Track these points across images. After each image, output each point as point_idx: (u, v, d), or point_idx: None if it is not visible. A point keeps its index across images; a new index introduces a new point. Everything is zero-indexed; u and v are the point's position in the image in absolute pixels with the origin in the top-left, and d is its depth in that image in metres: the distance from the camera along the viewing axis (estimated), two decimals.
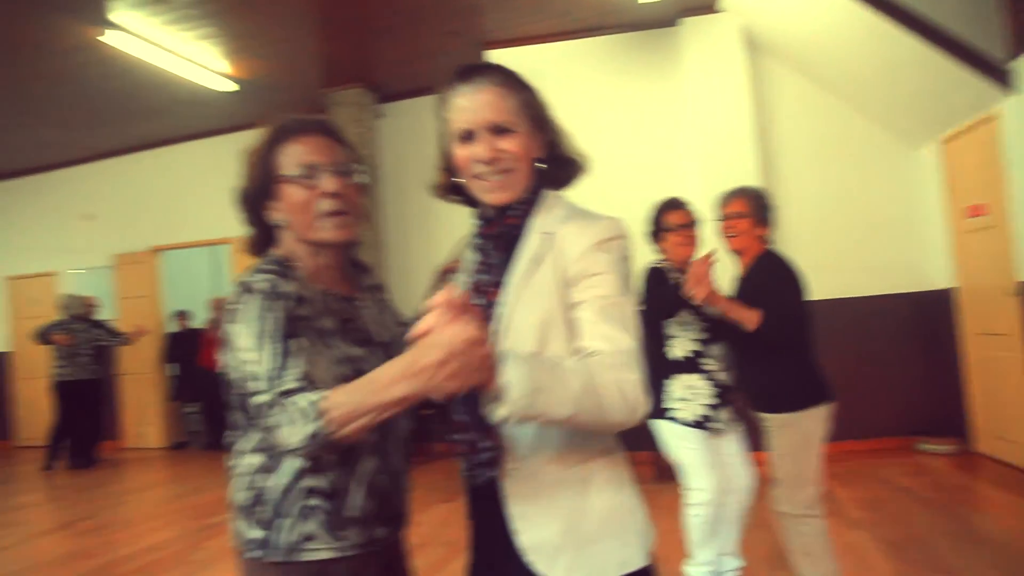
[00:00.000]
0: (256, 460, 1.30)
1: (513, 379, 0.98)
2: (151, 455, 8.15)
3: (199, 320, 8.70)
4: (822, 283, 5.15)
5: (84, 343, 7.47)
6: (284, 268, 1.29)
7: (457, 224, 6.81)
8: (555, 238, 1.19)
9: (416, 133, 7.15)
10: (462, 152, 1.24)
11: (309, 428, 1.09)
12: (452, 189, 1.32)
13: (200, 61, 6.05)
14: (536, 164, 1.26)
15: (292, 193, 1.31)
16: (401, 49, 6.23)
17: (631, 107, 6.09)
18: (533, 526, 1.15)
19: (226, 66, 6.28)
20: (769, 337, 2.67)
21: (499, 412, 0.99)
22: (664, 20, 5.90)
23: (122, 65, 6.04)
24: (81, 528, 5.07)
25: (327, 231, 1.30)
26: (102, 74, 6.29)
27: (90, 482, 6.78)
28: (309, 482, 1.27)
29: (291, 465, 1.27)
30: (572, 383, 1.03)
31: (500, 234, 1.26)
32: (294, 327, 1.22)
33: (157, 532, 4.81)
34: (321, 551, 1.26)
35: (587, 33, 6.10)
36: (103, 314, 8.12)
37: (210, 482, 6.40)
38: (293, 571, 1.27)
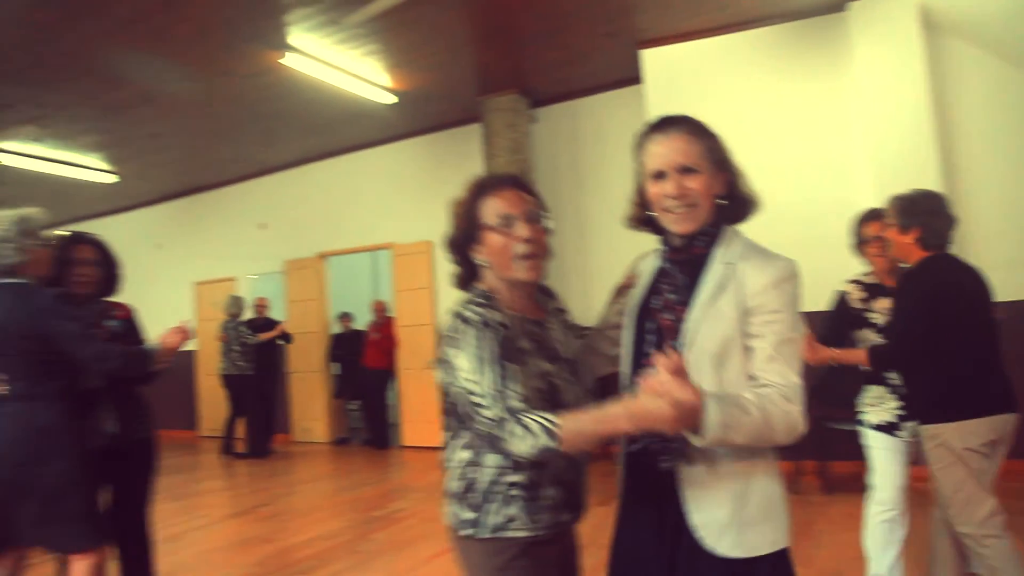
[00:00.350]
0: (466, 455, 1.59)
1: (711, 420, 1.26)
2: (316, 449, 8.66)
3: (361, 322, 9.14)
4: (1015, 282, 4.68)
5: (234, 340, 8.11)
6: (489, 301, 1.58)
7: (609, 228, 6.79)
8: (736, 269, 1.43)
9: (569, 136, 7.19)
10: (654, 189, 1.49)
11: (541, 443, 1.37)
12: (644, 220, 1.58)
13: (365, 76, 6.37)
14: (717, 201, 1.49)
15: (492, 239, 1.58)
16: (554, 54, 6.27)
17: (795, 102, 5.73)
18: (705, 508, 1.41)
19: (388, 80, 6.58)
20: (883, 364, 2.75)
21: (696, 442, 1.29)
22: (831, 5, 5.56)
23: (296, 84, 6.49)
24: (260, 515, 5.45)
25: (521, 272, 1.58)
26: (279, 94, 6.78)
27: (264, 471, 7.29)
28: (510, 477, 1.55)
29: (494, 460, 1.55)
30: (753, 418, 1.31)
31: (686, 260, 1.51)
32: (505, 351, 1.49)
33: (327, 522, 5.08)
34: (520, 531, 1.54)
35: (746, 26, 5.85)
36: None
37: (371, 477, 6.71)
38: (498, 546, 1.55)
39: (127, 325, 2.87)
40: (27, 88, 6.42)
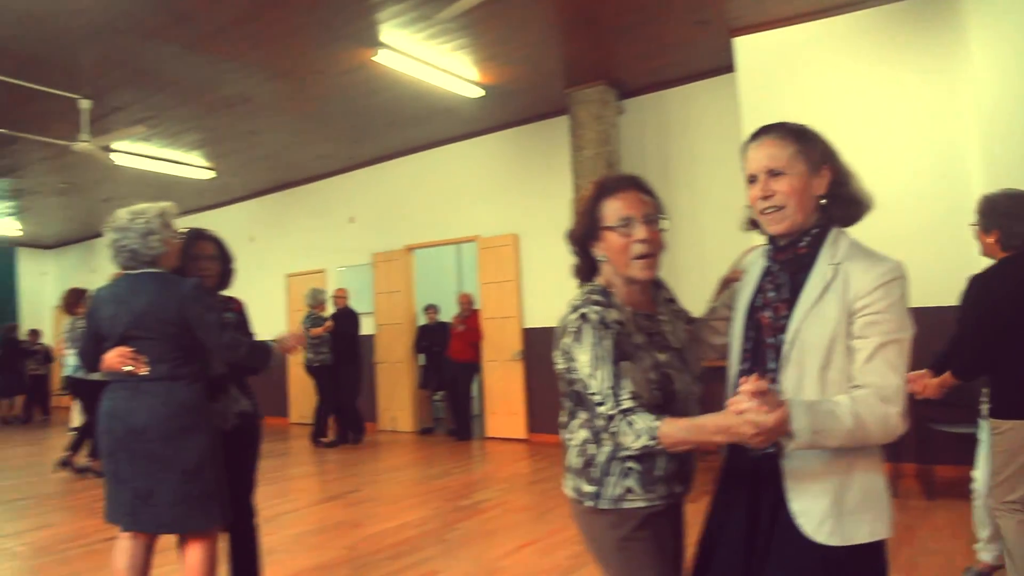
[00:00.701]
0: (584, 434, 1.71)
1: (799, 426, 1.34)
2: (402, 438, 8.83)
3: (446, 314, 9.26)
4: None
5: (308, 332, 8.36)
6: (606, 297, 1.69)
7: (698, 220, 6.67)
8: (841, 269, 1.47)
9: (657, 128, 7.08)
10: (751, 193, 1.57)
11: (643, 442, 1.50)
12: (752, 223, 1.66)
13: (454, 71, 6.44)
14: (819, 201, 1.54)
15: (612, 239, 1.68)
16: (644, 44, 6.18)
17: (899, 90, 5.38)
18: (806, 496, 1.46)
19: (476, 74, 6.63)
20: (968, 375, 2.86)
21: (788, 447, 1.38)
22: None
23: (387, 81, 6.61)
24: (350, 500, 5.60)
25: (638, 271, 1.67)
26: (369, 91, 6.93)
27: (352, 459, 7.49)
28: (626, 453, 1.63)
29: (611, 440, 1.63)
30: (844, 422, 1.37)
31: (790, 260, 1.57)
32: (621, 350, 1.61)
33: (414, 510, 5.18)
34: (637, 501, 1.66)
35: (845, 9, 5.57)
36: (360, 306, 8.94)
37: (456, 467, 6.80)
38: (618, 516, 1.67)
39: (239, 318, 3.01)
40: (137, 91, 6.78)
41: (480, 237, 8.42)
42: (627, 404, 1.54)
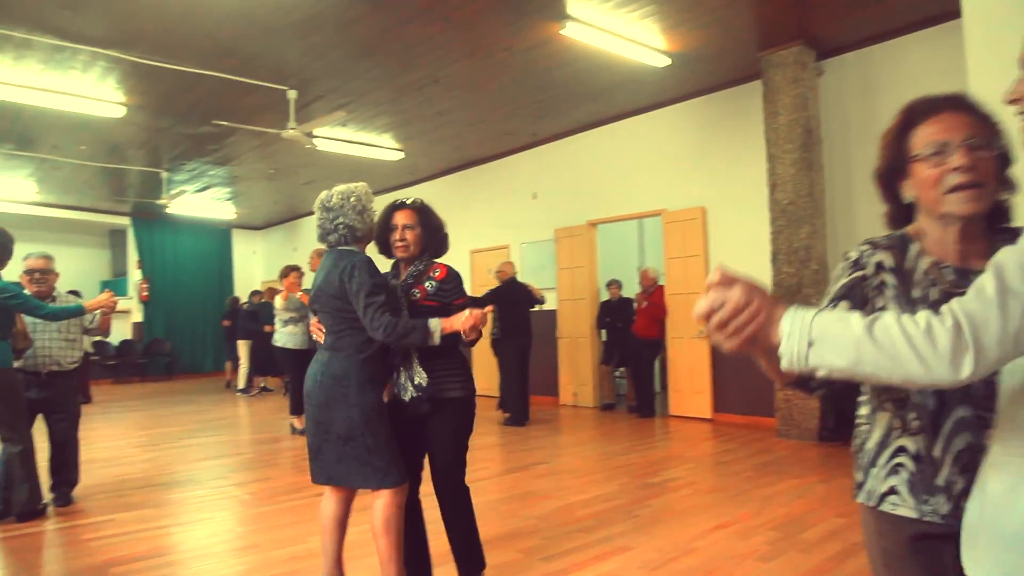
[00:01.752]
0: (864, 411, 1.46)
1: (787, 332, 1.07)
2: (583, 413, 8.88)
3: (629, 290, 9.16)
4: None
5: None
6: (894, 242, 1.41)
7: None
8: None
9: (862, 88, 6.52)
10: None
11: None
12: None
13: (640, 40, 6.28)
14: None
15: (921, 171, 1.36)
16: None
17: None
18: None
19: (662, 42, 6.42)
20: None
21: (783, 363, 1.08)
22: None
23: (571, 54, 6.58)
24: (537, 472, 5.71)
25: (952, 205, 1.32)
26: (554, 65, 6.94)
27: (535, 432, 7.62)
28: (898, 440, 1.36)
29: (885, 421, 1.39)
30: (853, 332, 1.04)
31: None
32: (859, 294, 1.38)
33: (601, 484, 5.17)
34: (902, 508, 1.34)
35: None
36: (543, 282, 9.03)
37: (640, 444, 6.72)
38: (886, 524, 1.37)
39: (439, 286, 2.98)
40: (336, 79, 7.22)
41: (666, 211, 8.22)
42: None
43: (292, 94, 7.37)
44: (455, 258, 11.31)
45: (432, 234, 3.06)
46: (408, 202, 3.06)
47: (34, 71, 6.79)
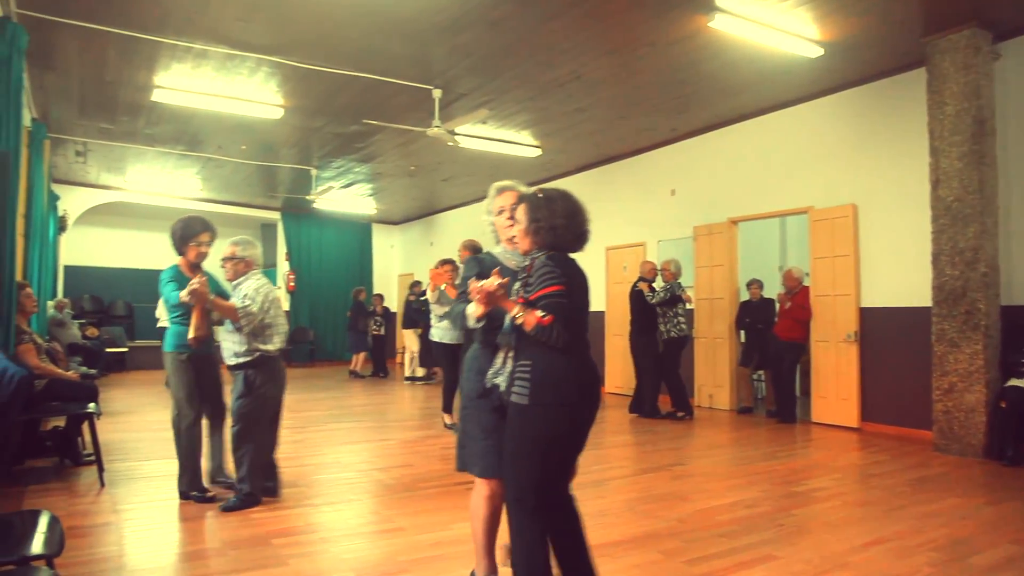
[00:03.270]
0: None
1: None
2: (719, 416, 8.64)
3: (770, 290, 8.82)
4: None
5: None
6: None
7: None
8: None
9: None
10: None
11: None
12: None
13: (791, 30, 6.02)
14: None
15: None
16: None
17: None
18: None
19: (815, 31, 6.13)
20: None
21: None
22: None
23: (717, 47, 6.41)
24: (674, 473, 5.60)
25: None
26: (698, 59, 6.78)
27: (670, 432, 7.48)
28: None
29: None
30: None
31: None
32: None
33: (742, 490, 5.01)
34: None
35: None
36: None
37: (781, 451, 6.46)
38: None
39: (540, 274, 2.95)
40: (480, 77, 7.37)
41: (813, 208, 7.84)
42: None
43: (437, 93, 7.59)
44: (590, 254, 11.25)
45: (536, 224, 2.81)
46: (521, 192, 3.06)
47: (208, 78, 7.37)
